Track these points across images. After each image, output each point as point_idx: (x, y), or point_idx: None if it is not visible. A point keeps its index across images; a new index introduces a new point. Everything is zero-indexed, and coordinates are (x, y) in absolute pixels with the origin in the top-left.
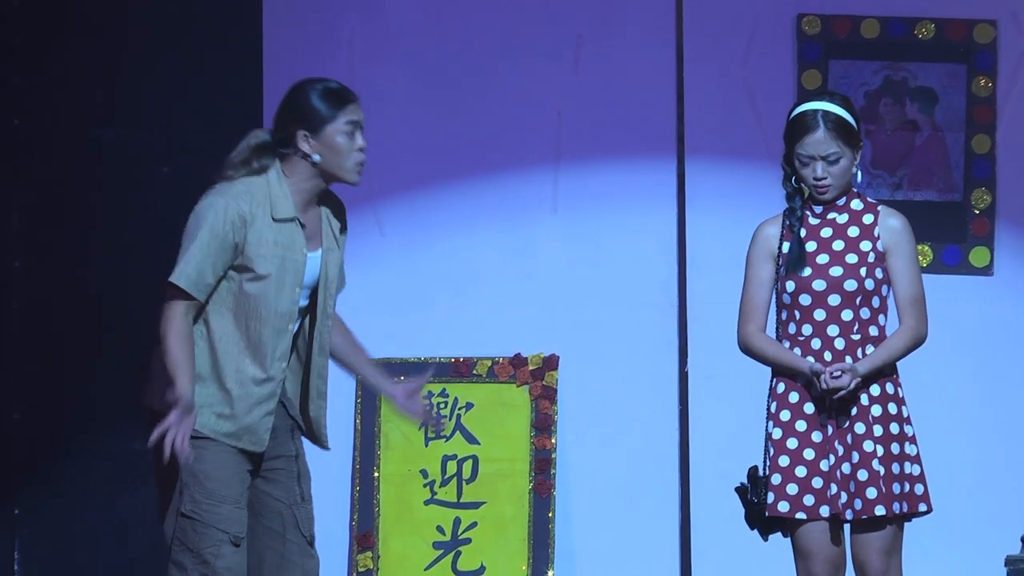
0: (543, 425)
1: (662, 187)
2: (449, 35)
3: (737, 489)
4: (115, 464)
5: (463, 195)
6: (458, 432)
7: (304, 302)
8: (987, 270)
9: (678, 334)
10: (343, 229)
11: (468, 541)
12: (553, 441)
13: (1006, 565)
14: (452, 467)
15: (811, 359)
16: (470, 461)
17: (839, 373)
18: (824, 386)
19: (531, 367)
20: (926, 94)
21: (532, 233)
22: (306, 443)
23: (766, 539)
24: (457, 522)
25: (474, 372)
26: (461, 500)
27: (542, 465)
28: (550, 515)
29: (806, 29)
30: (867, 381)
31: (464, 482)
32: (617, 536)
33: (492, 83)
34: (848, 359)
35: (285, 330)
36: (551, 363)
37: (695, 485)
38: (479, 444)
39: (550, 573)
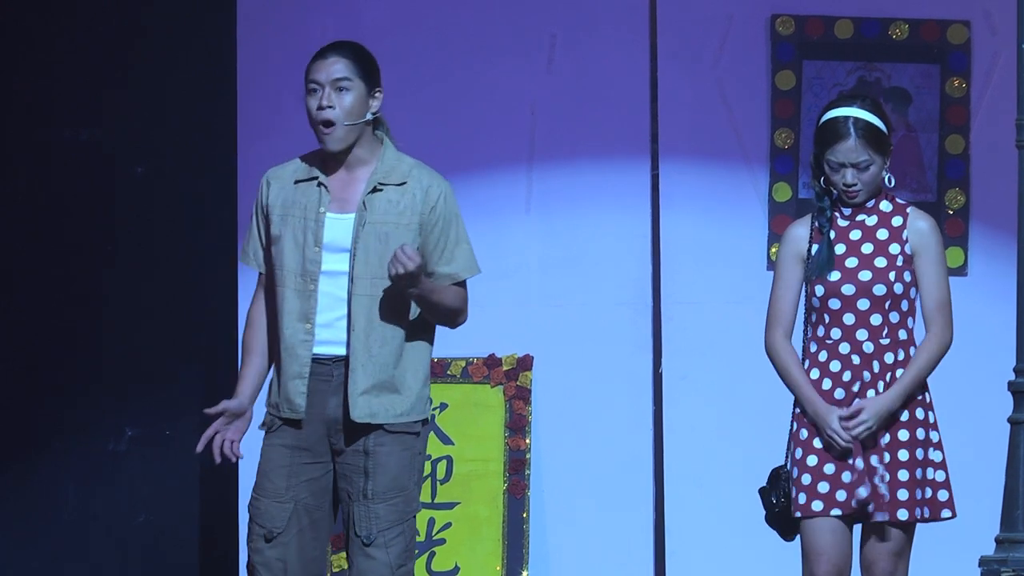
0: (517, 425)
1: (636, 187)
2: (423, 34)
3: (760, 491)
4: (88, 464)
5: None
6: (432, 432)
7: (337, 265)
8: (961, 270)
9: (652, 334)
10: (431, 211)
11: (442, 542)
12: (527, 441)
13: (980, 566)
14: (426, 467)
15: (837, 363)
16: (444, 462)
17: (843, 435)
18: (840, 439)
19: (505, 367)
20: (900, 95)
21: (506, 233)
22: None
23: (789, 539)
24: (431, 522)
25: (448, 372)
26: (435, 500)
27: (516, 466)
28: (524, 515)
29: (780, 29)
30: (899, 404)
31: (438, 482)
32: (591, 537)
33: (466, 82)
34: (875, 363)
35: (305, 291)
36: (525, 363)
37: (669, 485)
38: (453, 444)
39: (524, 573)
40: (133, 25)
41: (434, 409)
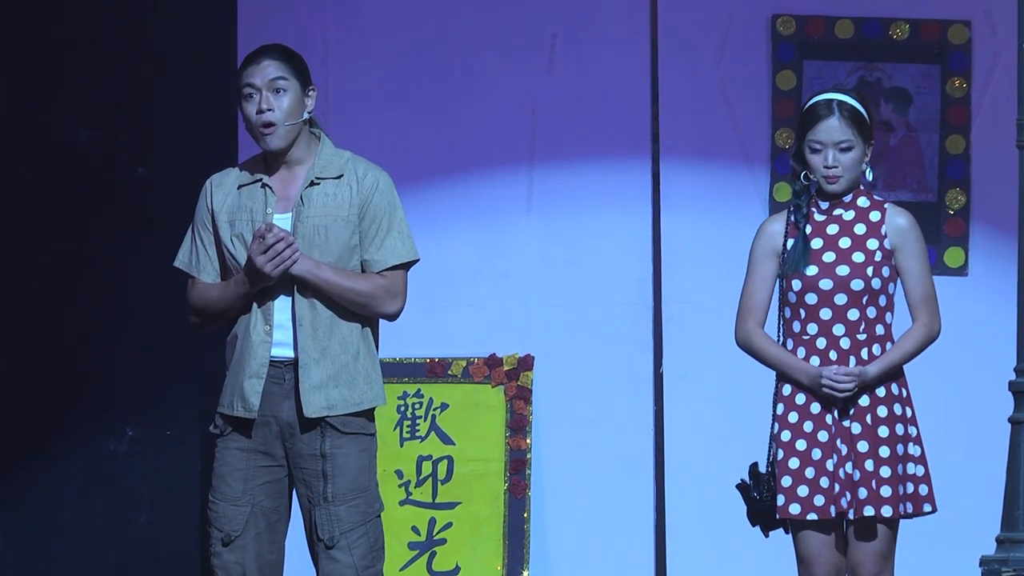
0: (518, 425)
1: (637, 187)
2: (423, 34)
3: (739, 486)
4: (88, 464)
5: (437, 194)
6: (433, 433)
7: None
8: (961, 270)
9: (653, 334)
10: (365, 200)
11: (443, 542)
12: (528, 441)
13: (981, 565)
14: (427, 467)
15: (816, 359)
16: (445, 462)
17: (844, 377)
18: (827, 389)
19: (506, 367)
20: (900, 94)
21: (507, 233)
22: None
23: (767, 536)
24: (432, 522)
25: (449, 372)
26: (436, 500)
27: (517, 465)
28: (525, 515)
29: (780, 29)
30: (877, 381)
31: (439, 483)
32: (592, 536)
33: (466, 82)
34: (852, 359)
35: (262, 292)
36: (526, 363)
37: (670, 485)
38: (454, 444)
39: (525, 573)
40: (133, 25)
41: (435, 409)
